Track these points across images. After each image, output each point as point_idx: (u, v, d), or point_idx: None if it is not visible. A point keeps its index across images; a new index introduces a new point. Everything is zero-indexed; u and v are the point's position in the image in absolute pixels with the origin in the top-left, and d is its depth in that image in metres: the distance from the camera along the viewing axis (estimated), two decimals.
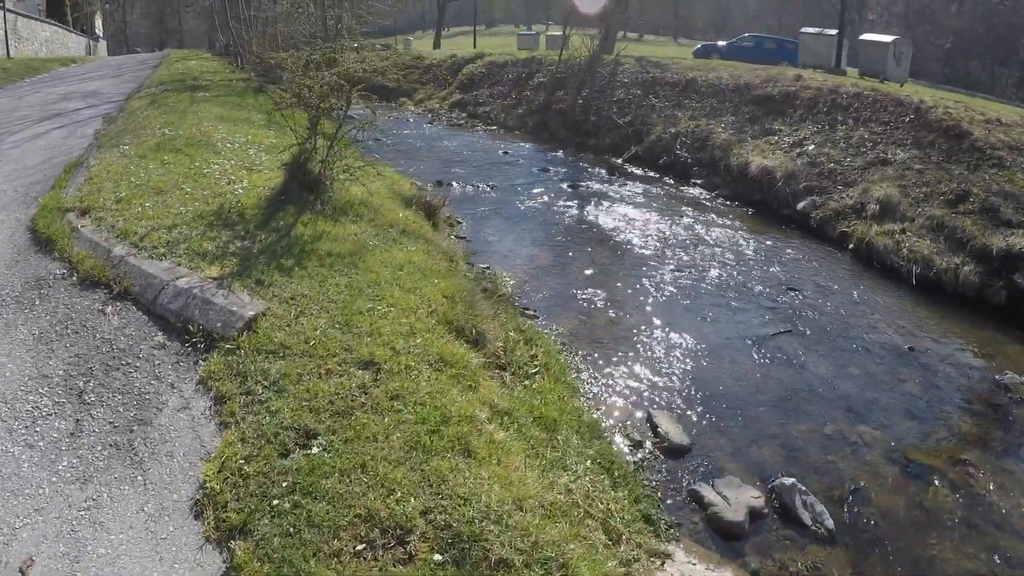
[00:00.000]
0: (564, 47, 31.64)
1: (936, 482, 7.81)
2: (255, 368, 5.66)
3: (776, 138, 20.30)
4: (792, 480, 7.30)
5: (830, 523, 6.89)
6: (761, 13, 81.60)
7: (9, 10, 34.69)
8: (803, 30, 32.97)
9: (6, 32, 33.65)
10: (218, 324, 6.31)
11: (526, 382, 7.46)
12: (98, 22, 65.97)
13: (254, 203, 8.98)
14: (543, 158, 23.71)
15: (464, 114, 32.22)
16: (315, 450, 4.83)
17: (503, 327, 8.52)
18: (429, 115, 32.71)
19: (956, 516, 7.31)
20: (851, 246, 15.16)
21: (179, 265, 7.27)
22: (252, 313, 6.34)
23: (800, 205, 17.05)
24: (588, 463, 6.22)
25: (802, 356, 10.32)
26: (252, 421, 5.10)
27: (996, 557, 6.80)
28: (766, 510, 7.00)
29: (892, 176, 16.42)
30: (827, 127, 19.70)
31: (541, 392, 7.19)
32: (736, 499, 6.97)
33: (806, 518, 6.93)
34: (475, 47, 45.09)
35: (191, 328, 6.33)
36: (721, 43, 40.93)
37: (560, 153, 24.75)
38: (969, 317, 12.28)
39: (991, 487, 7.77)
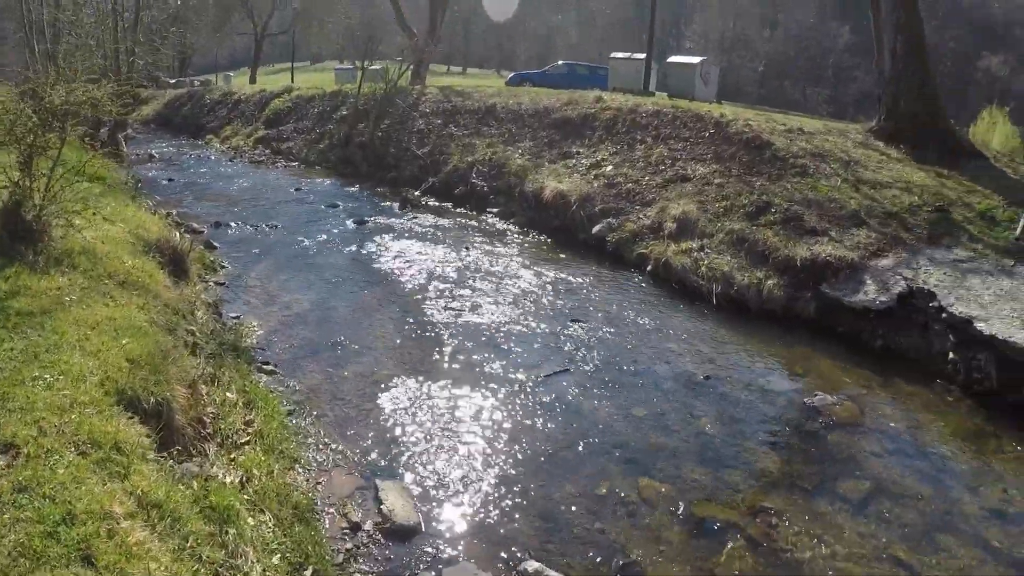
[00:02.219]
0: (363, 78, 30.29)
1: (730, 542, 6.51)
2: None
3: (574, 161, 19.40)
4: (538, 566, 5.93)
5: None
6: (583, 44, 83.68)
7: None
8: (612, 55, 33.02)
9: None
10: None
11: (232, 455, 6.74)
12: None
13: None
14: (337, 194, 22.57)
15: (267, 150, 30.93)
16: None
17: (221, 389, 7.72)
18: (233, 152, 31.58)
19: None
20: (649, 268, 14.18)
21: None
22: None
23: (596, 229, 16.03)
24: (275, 559, 5.46)
25: (579, 399, 8.95)
26: None
27: None
28: None
29: (691, 192, 15.65)
30: (626, 147, 18.95)
31: (246, 466, 6.48)
32: None
33: None
34: (293, 82, 43.20)
35: None
36: (534, 71, 40.96)
37: (357, 188, 23.64)
38: (777, 335, 11.38)
39: (797, 539, 6.58)
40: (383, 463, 7.39)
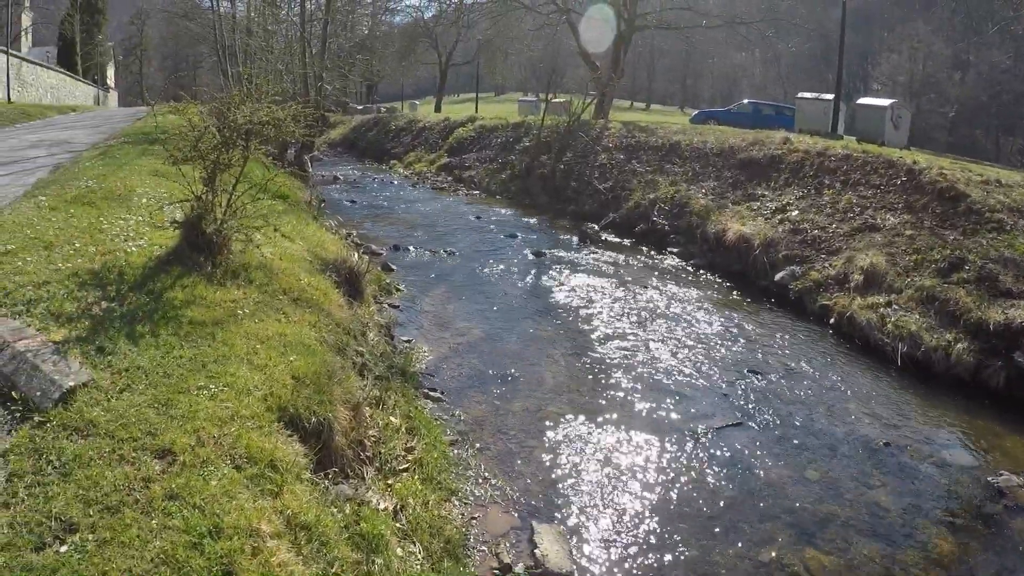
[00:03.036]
0: (546, 110, 30.88)
1: None
2: (54, 446, 5.07)
3: (758, 204, 19.07)
4: None
5: None
6: (767, 83, 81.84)
7: (13, 55, 35.45)
8: (800, 95, 32.13)
9: (8, 77, 34.27)
10: (38, 393, 5.75)
11: (390, 481, 6.79)
12: (110, 73, 67.05)
13: (141, 263, 8.34)
14: (516, 224, 22.94)
15: (450, 178, 31.98)
16: (65, 548, 4.22)
17: (385, 412, 7.83)
18: (416, 178, 32.74)
19: None
20: (832, 321, 13.74)
21: (29, 326, 6.69)
22: (71, 384, 5.76)
23: (779, 276, 15.70)
24: None
25: (749, 455, 8.77)
26: (28, 505, 4.53)
27: None
28: None
29: (880, 243, 15.02)
30: (813, 191, 18.43)
31: (402, 494, 6.52)
32: None
33: None
34: (477, 112, 44.48)
35: (14, 395, 5.74)
36: (719, 109, 40.46)
37: (536, 219, 23.93)
38: (962, 403, 10.72)
39: None
40: (541, 504, 7.37)
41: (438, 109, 57.36)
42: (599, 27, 36.88)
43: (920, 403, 10.67)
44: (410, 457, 7.33)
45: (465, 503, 7.18)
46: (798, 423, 9.69)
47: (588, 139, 27.69)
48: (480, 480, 7.69)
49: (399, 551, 5.67)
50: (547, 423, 9.13)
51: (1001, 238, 13.86)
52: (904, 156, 18.49)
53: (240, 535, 4.55)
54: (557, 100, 34.30)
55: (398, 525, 6.08)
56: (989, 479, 8.61)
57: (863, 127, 26.52)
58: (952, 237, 14.34)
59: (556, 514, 7.27)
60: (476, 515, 7.05)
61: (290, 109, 9.37)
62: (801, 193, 18.64)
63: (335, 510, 5.56)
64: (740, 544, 7.09)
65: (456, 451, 8.08)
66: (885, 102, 26.90)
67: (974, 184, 15.90)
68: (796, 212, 17.69)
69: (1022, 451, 9.46)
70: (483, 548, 6.60)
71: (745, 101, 40.34)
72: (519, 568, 6.39)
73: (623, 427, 9.15)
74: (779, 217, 17.85)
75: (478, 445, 8.39)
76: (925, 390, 11.12)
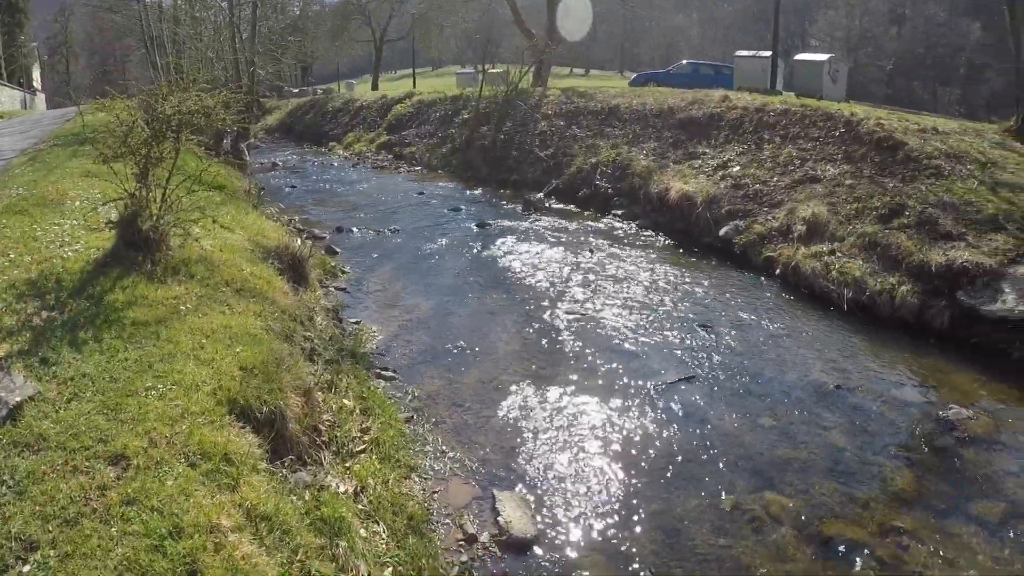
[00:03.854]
0: (484, 81, 30.62)
1: (859, 562, 6.33)
2: (6, 465, 4.98)
3: (699, 162, 19.17)
4: None
5: None
6: (706, 44, 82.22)
7: None
8: (737, 54, 32.29)
9: None
10: None
11: (348, 464, 6.71)
12: (36, 74, 65.06)
13: (79, 268, 8.11)
14: (459, 197, 22.73)
15: (390, 155, 31.52)
16: (28, 568, 4.17)
17: (338, 396, 7.74)
18: (356, 158, 32.22)
19: None
20: (777, 272, 13.92)
21: None
22: (17, 399, 5.66)
23: (723, 231, 15.84)
24: (386, 573, 5.40)
25: (704, 407, 8.84)
26: None
27: None
28: None
29: (821, 193, 15.24)
30: (753, 147, 18.59)
31: (361, 476, 6.48)
32: None
33: None
34: (414, 88, 43.95)
35: None
36: (659, 71, 40.59)
37: (479, 191, 23.79)
38: (909, 344, 10.96)
39: (929, 561, 6.34)
40: (501, 472, 7.35)
41: (375, 87, 56.51)
42: None
43: (868, 346, 10.85)
44: (366, 438, 7.28)
45: (425, 478, 7.14)
46: (750, 372, 9.78)
47: (527, 108, 27.52)
48: (438, 454, 7.64)
49: (363, 532, 5.63)
50: (501, 392, 9.08)
51: (939, 183, 14.13)
52: (842, 108, 18.72)
53: (201, 533, 4.52)
54: (494, 71, 34.16)
55: (360, 507, 6.04)
56: (940, 413, 8.78)
57: (801, 82, 26.75)
58: (892, 184, 14.59)
59: (517, 481, 7.26)
60: (437, 489, 7.02)
61: (219, 96, 9.16)
62: (741, 149, 18.79)
63: (294, 498, 5.51)
64: (701, 494, 7.14)
65: (412, 428, 8.01)
66: (822, 57, 27.17)
67: (911, 133, 16.19)
68: (737, 168, 17.81)
69: (969, 385, 9.67)
70: (447, 521, 6.58)
71: (684, 62, 40.38)
72: (484, 537, 6.37)
73: (577, 390, 9.14)
74: (720, 174, 17.96)
75: (434, 420, 8.33)
76: (872, 333, 11.31)
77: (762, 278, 13.99)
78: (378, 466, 6.73)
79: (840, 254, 13.18)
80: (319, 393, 7.59)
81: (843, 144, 16.73)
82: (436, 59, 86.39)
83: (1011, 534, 6.74)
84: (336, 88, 62.00)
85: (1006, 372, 10.01)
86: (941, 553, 6.45)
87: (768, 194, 16.25)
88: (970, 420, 8.61)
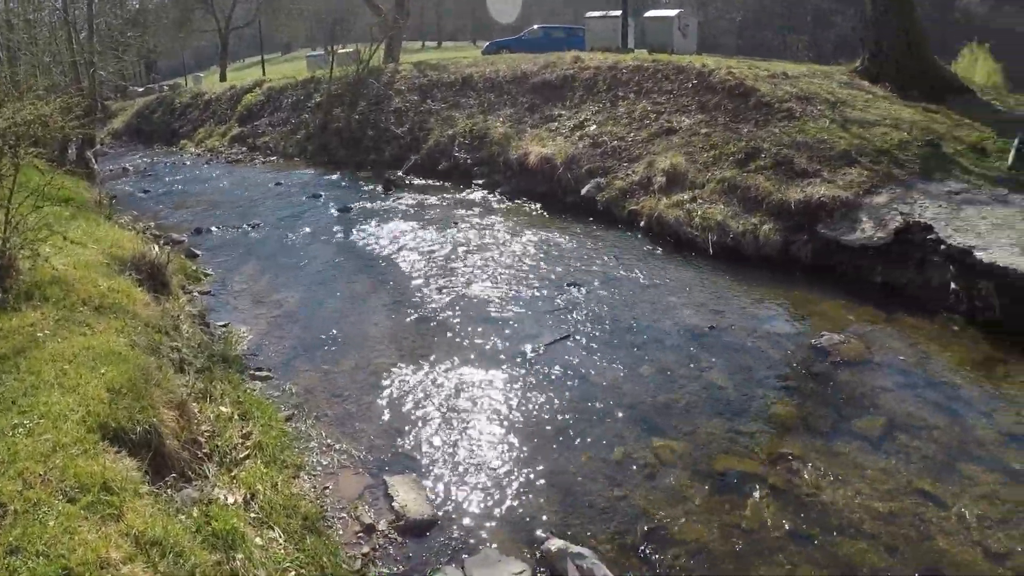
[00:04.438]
0: (335, 62, 29.84)
1: (753, 493, 6.45)
2: None
3: (556, 124, 19.19)
4: (561, 543, 5.74)
5: None
6: (558, 7, 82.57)
7: None
8: (588, 15, 32.52)
9: None
10: None
11: (233, 472, 6.43)
12: None
13: None
14: (318, 183, 22.05)
15: (244, 148, 30.22)
16: None
17: (214, 404, 7.40)
18: (209, 155, 30.77)
19: (783, 531, 6.01)
20: (642, 224, 14.07)
21: None
22: None
23: (584, 190, 15.89)
24: None
25: (584, 364, 8.81)
26: None
27: (838, 574, 5.60)
28: None
29: (678, 144, 15.49)
30: (608, 105, 18.74)
31: (248, 483, 6.17)
32: None
33: None
34: (264, 75, 42.50)
35: None
36: (511, 38, 40.43)
37: (338, 175, 23.12)
38: (776, 279, 11.30)
39: (820, 481, 6.54)
40: (390, 457, 7.19)
41: (223, 78, 54.21)
42: None
43: (737, 285, 11.09)
44: (249, 443, 6.98)
45: (314, 475, 6.90)
46: (624, 325, 9.81)
47: (380, 86, 26.99)
48: (324, 448, 7.38)
49: (258, 541, 5.42)
50: (380, 377, 8.83)
51: (792, 125, 14.58)
52: (693, 61, 19.09)
53: (91, 570, 4.25)
54: (345, 51, 33.29)
55: (252, 515, 5.80)
56: (812, 342, 9.04)
57: (653, 39, 27.21)
58: (746, 130, 14.98)
59: (407, 464, 7.08)
60: (328, 484, 6.81)
61: (55, 102, 8.59)
62: (597, 108, 18.91)
63: (183, 517, 5.27)
64: (591, 450, 7.12)
65: (294, 425, 7.71)
66: (672, 13, 27.73)
67: (762, 79, 16.65)
68: (594, 127, 17.90)
69: (837, 312, 10.01)
70: (343, 515, 6.38)
71: (535, 27, 40.30)
72: (382, 525, 6.21)
73: (455, 364, 8.98)
74: (578, 134, 18.01)
75: (315, 414, 8.04)
76: (740, 273, 11.58)
77: (628, 232, 14.12)
78: (265, 470, 6.47)
79: (701, 201, 13.41)
80: (194, 404, 7.23)
81: (696, 95, 17.02)
82: (285, 43, 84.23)
83: (893, 445, 6.99)
84: (184, 83, 59.25)
85: (871, 296, 10.45)
86: (830, 472, 6.62)
87: (626, 149, 16.40)
88: (842, 344, 8.89)
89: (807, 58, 49.13)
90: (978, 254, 9.80)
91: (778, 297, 10.54)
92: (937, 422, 7.35)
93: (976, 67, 21.01)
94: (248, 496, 6.05)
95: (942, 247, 10.32)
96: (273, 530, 5.70)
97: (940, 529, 6.03)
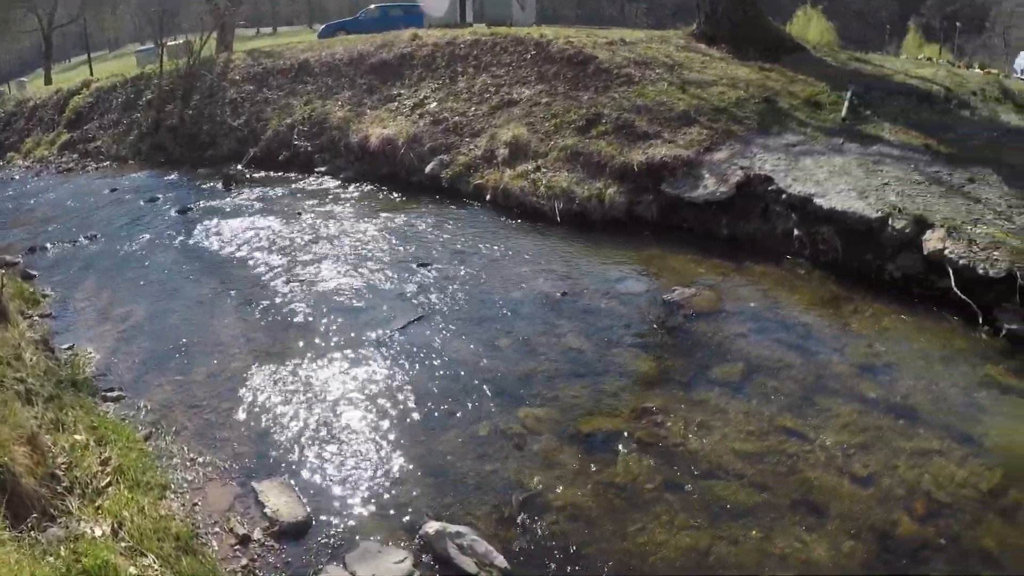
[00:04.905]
0: (165, 56, 28.46)
1: (622, 449, 6.48)
2: None
3: (396, 103, 18.78)
4: (438, 525, 5.63)
5: (501, 561, 5.37)
6: None
7: None
8: None
9: None
10: None
11: (97, 503, 5.96)
12: None
13: None
14: (156, 186, 20.74)
15: (75, 155, 28.04)
16: None
17: (67, 433, 6.84)
18: (38, 165, 28.34)
19: (656, 482, 6.10)
20: (488, 198, 13.92)
21: None
22: None
23: (428, 168, 15.59)
24: None
25: (441, 343, 8.60)
26: None
27: (714, 516, 5.79)
28: (418, 574, 5.36)
29: (520, 116, 15.40)
30: (448, 80, 18.48)
31: (114, 511, 5.72)
32: (375, 573, 5.36)
33: (468, 566, 5.35)
34: (92, 75, 40.12)
35: None
36: (347, 19, 39.84)
37: (175, 175, 21.85)
38: (625, 240, 11.33)
39: (686, 431, 6.63)
40: (256, 463, 6.84)
41: (48, 81, 50.74)
42: None
43: (587, 250, 11.09)
44: (108, 469, 6.51)
45: (181, 493, 6.48)
46: (477, 299, 9.66)
47: (213, 77, 25.80)
48: (188, 463, 6.94)
49: (132, 570, 5.07)
50: (236, 381, 8.36)
51: (632, 89, 14.74)
52: (531, 32, 19.10)
53: None
54: (176, 43, 31.84)
55: (122, 544, 5.39)
56: (665, 297, 9.13)
57: (491, 12, 27.24)
58: (587, 97, 15.02)
59: (274, 467, 6.74)
60: (197, 500, 6.43)
61: None
62: (437, 85, 18.61)
63: (51, 558, 4.86)
64: (457, 428, 6.96)
65: (154, 444, 7.22)
66: None
67: (600, 47, 16.75)
68: (435, 104, 17.60)
69: (686, 267, 10.15)
70: (216, 529, 6.04)
71: (372, 7, 39.56)
72: (257, 534, 5.92)
73: (312, 358, 8.62)
74: (419, 112, 17.67)
75: (175, 429, 7.53)
76: (589, 238, 11.59)
77: (475, 207, 13.94)
78: (129, 496, 6.03)
79: (546, 170, 13.38)
80: (46, 436, 6.68)
81: (536, 65, 16.99)
82: (113, 39, 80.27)
83: (752, 388, 7.16)
84: (7, 90, 55.70)
85: (718, 249, 10.65)
86: (695, 421, 6.70)
87: (468, 124, 16.20)
88: (694, 297, 9.02)
89: (647, 25, 50.18)
90: (818, 201, 10.17)
91: (628, 257, 10.60)
92: (792, 361, 7.55)
93: (810, 27, 21.92)
94: (116, 525, 5.66)
95: (783, 197, 10.64)
96: (146, 556, 5.38)
97: (806, 462, 6.21)
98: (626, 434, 6.61)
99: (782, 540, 5.59)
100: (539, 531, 5.64)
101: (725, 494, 5.90)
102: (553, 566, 5.36)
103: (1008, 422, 6.90)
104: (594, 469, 6.24)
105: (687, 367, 7.64)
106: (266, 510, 6.10)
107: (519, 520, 5.75)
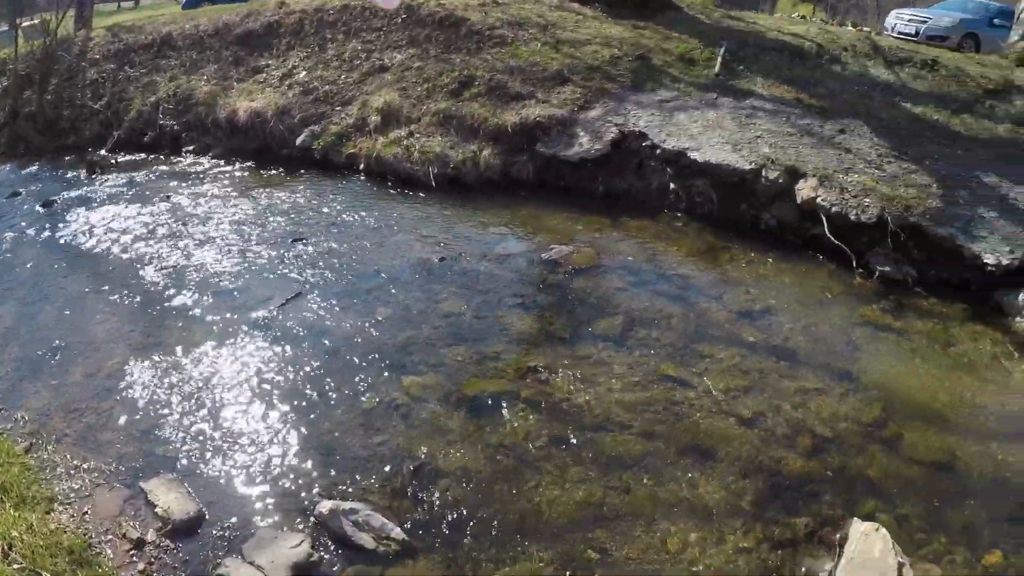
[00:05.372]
0: (18, 38, 26.80)
1: (509, 410, 6.47)
2: None
3: (264, 75, 18.08)
4: (332, 504, 5.56)
5: (398, 533, 5.35)
6: None
7: None
8: None
9: None
10: None
11: None
12: None
13: None
14: (16, 180, 19.33)
15: None
16: None
17: None
18: None
19: (544, 440, 6.13)
20: (361, 167, 13.51)
21: None
22: None
23: (299, 140, 15.03)
24: None
25: (320, 319, 8.30)
26: None
27: (605, 467, 5.89)
28: (316, 556, 5.25)
29: (391, 81, 15.03)
30: (317, 49, 17.92)
31: (3, 532, 5.41)
32: (273, 562, 5.22)
33: (366, 542, 5.31)
34: None
35: None
36: None
37: (36, 167, 20.47)
38: (502, 203, 11.16)
39: (572, 386, 6.65)
40: (143, 463, 6.46)
41: None
42: None
43: (464, 214, 10.90)
44: None
45: (69, 504, 6.10)
46: (354, 271, 9.37)
47: (72, 58, 24.42)
48: (73, 472, 6.52)
49: None
50: (115, 379, 7.84)
51: (505, 50, 14.56)
52: None
53: None
54: (31, 23, 29.97)
55: (15, 567, 5.14)
56: (543, 256, 9.05)
57: None
58: (459, 59, 14.76)
59: (160, 465, 6.39)
60: (86, 509, 6.06)
61: None
62: (306, 53, 18.03)
63: None
64: (343, 404, 6.76)
65: (35, 456, 6.76)
66: None
67: (472, 8, 16.50)
68: (304, 73, 17.05)
69: (563, 224, 10.10)
70: (109, 537, 5.72)
71: None
72: (151, 536, 5.65)
73: (190, 346, 8.19)
74: (288, 83, 17.06)
75: (55, 437, 7.04)
76: (466, 201, 11.38)
77: (349, 177, 13.51)
78: (15, 514, 5.69)
79: (419, 135, 13.08)
80: None
81: (407, 30, 16.65)
82: None
83: (635, 340, 7.21)
84: None
85: (595, 206, 10.62)
86: (580, 376, 6.71)
87: (339, 93, 15.74)
88: (573, 254, 8.97)
89: None
90: (692, 155, 10.30)
91: (505, 219, 10.48)
92: (672, 311, 7.62)
93: None
94: (6, 548, 5.33)
95: (658, 152, 10.71)
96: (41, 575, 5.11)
97: (692, 408, 6.35)
98: (512, 394, 6.57)
99: (674, 485, 5.69)
100: (433, 499, 5.60)
101: (614, 445, 5.96)
102: (449, 532, 5.34)
103: (884, 359, 7.24)
104: (483, 432, 6.20)
105: (569, 324, 7.59)
106: (157, 510, 5.84)
107: (412, 490, 5.70)
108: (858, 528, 5.43)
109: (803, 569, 5.33)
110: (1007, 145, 10.58)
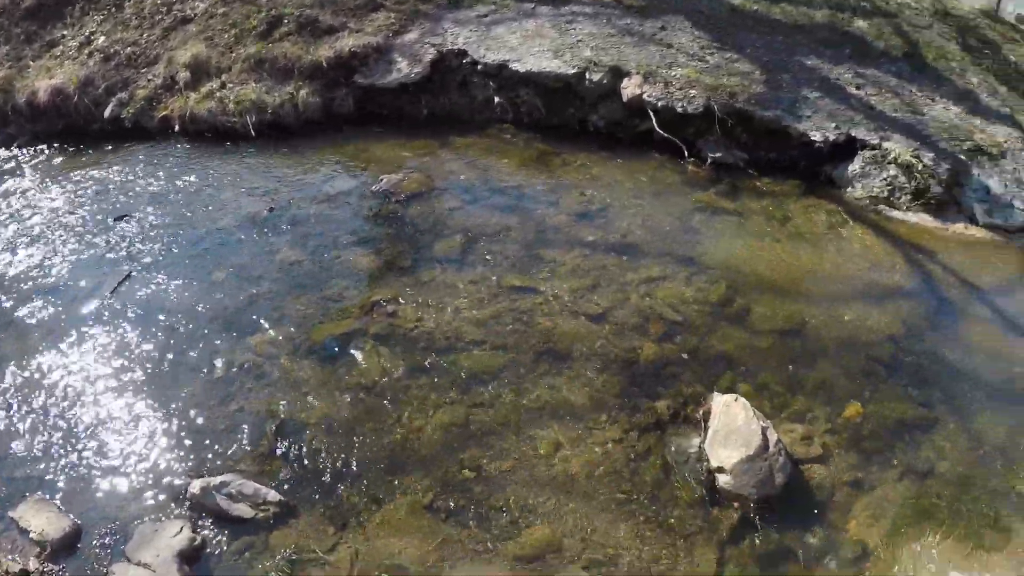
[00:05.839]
0: None
1: (361, 348, 6.42)
2: None
3: (61, 47, 16.68)
4: (202, 482, 5.45)
5: (273, 495, 5.34)
6: None
7: None
8: None
9: None
10: None
11: None
12: None
13: None
14: None
15: None
16: None
17: None
18: None
19: (402, 371, 6.15)
20: (177, 128, 12.64)
21: None
22: None
23: (108, 112, 13.88)
24: None
25: (156, 295, 7.80)
26: None
27: (465, 387, 5.97)
28: (199, 537, 5.17)
29: (196, 32, 14.12)
30: (114, 9, 16.53)
31: None
32: (159, 556, 5.06)
33: (244, 512, 5.31)
34: None
35: None
36: None
37: None
38: (326, 140, 10.73)
39: (420, 312, 6.67)
40: (5, 491, 5.99)
41: None
42: None
43: (289, 159, 10.43)
44: None
45: None
46: (185, 239, 8.86)
47: None
48: None
49: None
50: None
51: None
52: None
53: None
54: None
55: None
56: (373, 188, 8.81)
57: None
58: (266, 0, 13.91)
59: (26, 486, 5.94)
60: None
61: None
62: (102, 16, 16.62)
63: None
64: (195, 376, 6.48)
65: None
66: None
67: None
68: (102, 39, 15.82)
69: (391, 153, 9.83)
70: None
71: None
72: (32, 564, 5.33)
73: (27, 353, 7.48)
74: (87, 51, 15.75)
75: None
76: (289, 145, 10.89)
77: (164, 140, 12.60)
78: None
79: (232, 85, 12.42)
80: None
81: None
82: None
83: (476, 257, 7.22)
84: None
85: (421, 131, 10.33)
86: (426, 301, 6.72)
87: (142, 54, 14.67)
88: (403, 181, 8.77)
89: None
90: (514, 66, 10.17)
91: (331, 157, 10.16)
92: (510, 223, 7.62)
93: None
94: None
95: (479, 67, 10.53)
96: None
97: (541, 314, 6.43)
98: (361, 332, 6.51)
99: (536, 391, 5.79)
100: (301, 453, 5.56)
101: (470, 364, 6.00)
102: (324, 483, 5.33)
103: (723, 240, 7.47)
104: (338, 375, 6.14)
105: (408, 252, 7.49)
106: (31, 535, 5.50)
107: (279, 449, 5.62)
108: (719, 401, 5.64)
109: (672, 448, 5.52)
110: (825, 29, 10.89)
